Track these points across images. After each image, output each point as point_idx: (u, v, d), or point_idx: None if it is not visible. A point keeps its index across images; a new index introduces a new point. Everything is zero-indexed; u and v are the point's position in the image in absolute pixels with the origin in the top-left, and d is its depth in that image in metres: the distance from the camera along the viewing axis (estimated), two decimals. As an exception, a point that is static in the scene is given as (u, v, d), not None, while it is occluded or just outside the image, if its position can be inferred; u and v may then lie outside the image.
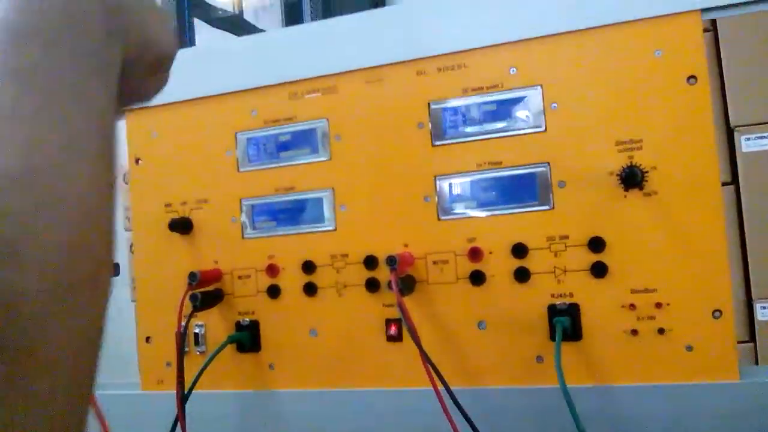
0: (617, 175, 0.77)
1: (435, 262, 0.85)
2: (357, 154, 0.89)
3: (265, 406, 0.91)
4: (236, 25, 1.90)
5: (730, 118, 1.68)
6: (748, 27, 1.76)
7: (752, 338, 1.49)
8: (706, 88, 0.76)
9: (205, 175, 0.96)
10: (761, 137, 1.70)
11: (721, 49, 1.81)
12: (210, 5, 2.57)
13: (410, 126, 0.87)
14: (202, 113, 0.97)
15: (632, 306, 0.77)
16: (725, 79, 1.78)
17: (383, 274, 0.85)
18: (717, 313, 0.74)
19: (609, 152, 0.78)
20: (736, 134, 1.58)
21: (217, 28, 1.87)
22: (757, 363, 1.59)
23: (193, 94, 0.97)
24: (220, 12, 2.72)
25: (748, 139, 1.74)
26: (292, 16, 1.95)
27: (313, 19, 1.55)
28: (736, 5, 0.77)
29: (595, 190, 0.79)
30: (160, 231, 0.96)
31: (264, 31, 1.78)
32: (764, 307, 1.68)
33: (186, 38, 1.98)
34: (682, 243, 0.75)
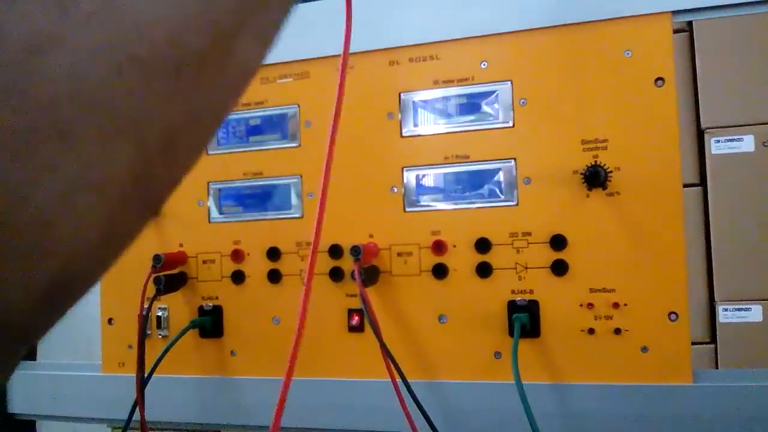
0: (581, 174, 0.77)
1: (399, 254, 0.85)
2: (326, 141, 0.89)
3: (226, 393, 0.91)
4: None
5: (701, 120, 1.69)
6: (723, 30, 1.78)
7: (713, 340, 1.51)
8: (673, 90, 0.76)
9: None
10: (731, 140, 1.72)
11: (696, 51, 1.83)
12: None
13: (380, 115, 0.87)
14: (172, 94, 0.96)
15: (590, 305, 0.77)
16: (698, 80, 1.79)
17: (348, 263, 0.85)
18: (673, 316, 0.75)
19: (574, 151, 0.79)
20: (706, 136, 1.59)
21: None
22: (716, 364, 1.62)
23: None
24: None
25: (718, 141, 1.76)
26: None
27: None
28: (707, 9, 0.77)
29: (560, 188, 0.79)
30: (125, 211, 0.95)
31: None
32: (726, 309, 1.70)
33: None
34: (642, 245, 0.76)
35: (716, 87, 1.80)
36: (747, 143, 1.87)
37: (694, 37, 1.80)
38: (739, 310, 1.74)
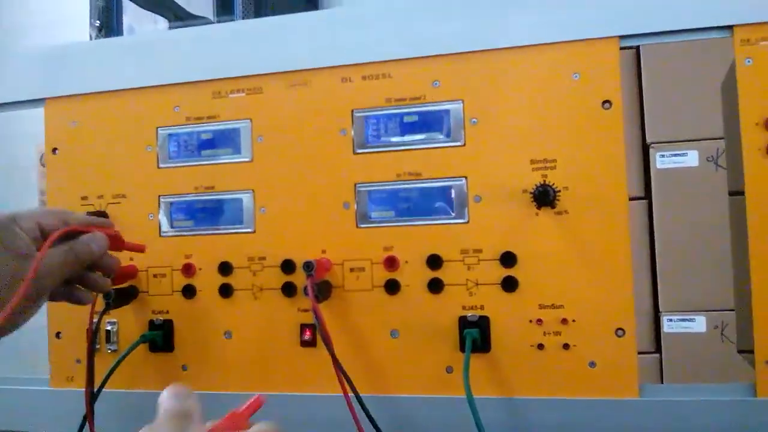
0: (530, 192, 0.79)
1: (352, 269, 0.86)
2: (279, 156, 0.89)
3: (176, 407, 0.90)
4: (165, 6, 1.85)
5: (647, 135, 1.74)
6: (669, 50, 1.82)
7: (658, 350, 1.56)
8: (620, 112, 0.78)
9: (124, 169, 0.95)
10: (676, 155, 1.77)
11: (642, 69, 1.87)
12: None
13: (333, 132, 0.87)
14: (123, 105, 0.95)
15: (539, 321, 0.79)
16: (644, 97, 1.84)
17: (300, 278, 0.86)
18: (620, 332, 0.77)
19: (524, 170, 0.80)
20: (651, 151, 1.65)
21: (144, 8, 1.83)
22: (661, 373, 1.65)
23: (116, 86, 0.96)
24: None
25: (663, 156, 1.81)
26: (225, 4, 1.92)
27: (244, 8, 1.54)
28: (654, 34, 0.79)
29: (510, 207, 0.81)
30: (74, 224, 0.94)
31: (195, 16, 1.75)
32: (671, 320, 1.75)
33: (113, 19, 1.93)
34: (589, 262, 0.78)
35: (662, 104, 1.86)
36: (691, 158, 1.93)
37: (641, 58, 1.85)
38: (683, 320, 1.79)
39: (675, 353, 1.64)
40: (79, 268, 0.75)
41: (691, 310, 1.69)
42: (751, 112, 0.75)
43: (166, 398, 0.53)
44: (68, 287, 0.77)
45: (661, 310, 1.70)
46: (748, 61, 0.76)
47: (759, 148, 0.75)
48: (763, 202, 0.75)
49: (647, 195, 1.78)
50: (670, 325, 1.66)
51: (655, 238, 1.75)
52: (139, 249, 0.87)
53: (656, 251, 1.74)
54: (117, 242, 0.83)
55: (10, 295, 0.64)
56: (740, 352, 0.77)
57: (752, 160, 0.75)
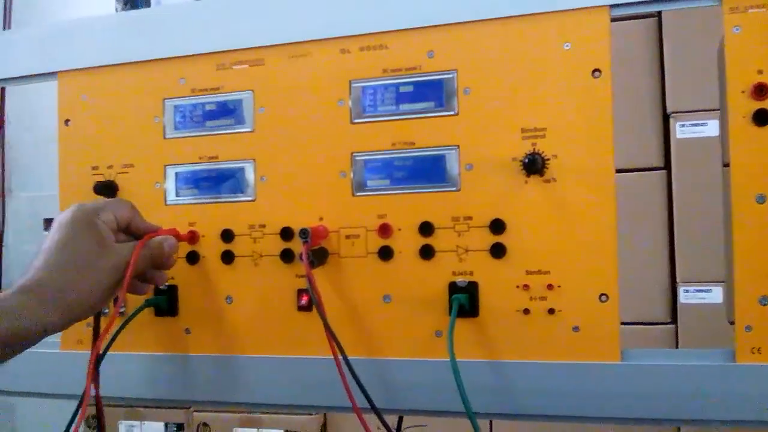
0: (520, 161, 0.80)
1: (348, 237, 0.88)
2: (280, 127, 0.91)
3: (180, 370, 0.94)
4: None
5: (667, 105, 1.73)
6: (690, 19, 1.80)
7: (674, 320, 1.55)
8: (609, 81, 0.79)
9: (132, 139, 0.98)
10: (696, 124, 1.75)
11: (663, 38, 1.85)
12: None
13: (331, 102, 0.89)
14: (131, 78, 0.98)
15: (526, 286, 0.81)
16: (665, 66, 1.82)
17: (299, 245, 0.88)
18: (603, 297, 0.78)
19: (514, 139, 0.82)
20: (671, 120, 1.63)
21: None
22: (677, 344, 1.66)
23: (124, 59, 0.98)
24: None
25: (683, 125, 1.79)
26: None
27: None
28: (644, 3, 0.80)
29: (500, 175, 0.82)
30: (85, 193, 0.98)
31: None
32: (687, 291, 1.74)
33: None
34: (576, 229, 0.79)
35: (682, 73, 1.84)
36: (711, 128, 1.90)
37: (662, 26, 1.83)
38: (699, 291, 1.78)
39: (690, 324, 1.64)
40: (149, 265, 0.84)
41: (708, 281, 1.68)
42: (738, 80, 0.76)
43: None
44: (132, 280, 0.82)
45: (678, 280, 1.70)
46: (736, 30, 0.76)
47: (744, 116, 0.75)
48: (748, 172, 0.75)
49: (667, 165, 1.77)
50: (686, 296, 1.66)
51: (674, 209, 1.74)
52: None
53: (674, 222, 1.73)
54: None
55: (86, 278, 0.76)
56: (731, 323, 0.78)
57: (737, 128, 0.75)
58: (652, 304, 1.66)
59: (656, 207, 1.73)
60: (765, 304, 0.74)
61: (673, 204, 1.75)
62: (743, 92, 0.76)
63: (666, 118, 1.77)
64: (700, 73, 1.73)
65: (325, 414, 2.32)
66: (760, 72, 0.75)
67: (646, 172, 1.74)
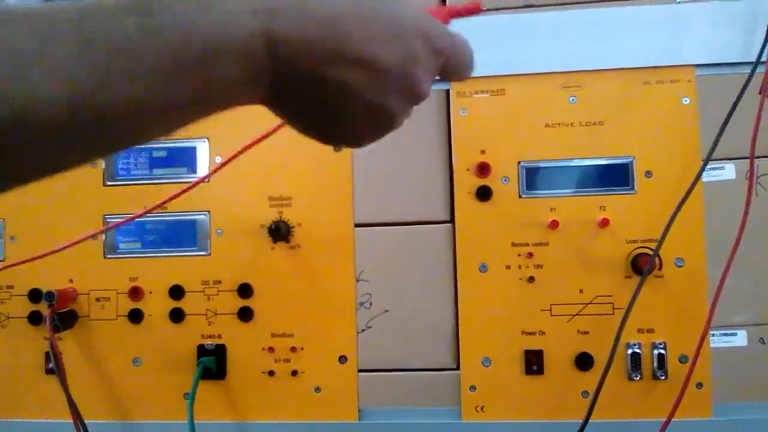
0: (267, 228, 0.84)
1: (98, 299, 0.88)
2: (31, 187, 0.90)
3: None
4: None
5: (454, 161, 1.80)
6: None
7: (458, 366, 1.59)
8: (350, 152, 0.85)
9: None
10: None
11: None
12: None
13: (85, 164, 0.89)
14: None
15: (271, 349, 0.85)
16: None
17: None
18: (343, 359, 0.84)
19: (263, 206, 0.86)
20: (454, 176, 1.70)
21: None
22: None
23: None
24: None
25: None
26: None
27: None
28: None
29: (248, 240, 0.86)
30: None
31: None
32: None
33: None
34: (317, 293, 0.84)
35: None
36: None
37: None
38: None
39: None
40: None
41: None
42: (463, 159, 0.84)
43: None
44: None
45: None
46: (463, 112, 0.84)
47: (468, 191, 0.83)
48: (472, 243, 0.83)
49: (451, 219, 1.84)
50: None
51: (457, 260, 1.82)
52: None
53: (457, 274, 1.81)
54: None
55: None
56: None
57: (462, 203, 0.83)
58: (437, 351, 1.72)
59: (446, 257, 1.80)
60: (487, 366, 0.82)
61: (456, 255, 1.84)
62: (468, 170, 0.84)
63: (451, 174, 1.86)
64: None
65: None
66: (482, 152, 0.84)
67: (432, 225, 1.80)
